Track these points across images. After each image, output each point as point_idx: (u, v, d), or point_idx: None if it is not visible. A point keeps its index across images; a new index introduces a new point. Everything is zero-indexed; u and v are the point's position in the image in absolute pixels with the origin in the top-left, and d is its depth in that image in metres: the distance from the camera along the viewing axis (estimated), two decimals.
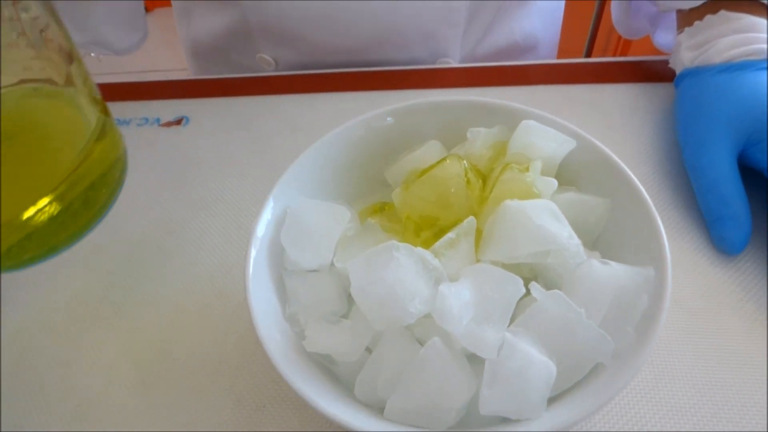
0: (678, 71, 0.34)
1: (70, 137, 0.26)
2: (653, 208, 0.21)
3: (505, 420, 0.17)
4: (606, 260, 0.20)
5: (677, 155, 0.33)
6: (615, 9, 0.43)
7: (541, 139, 0.22)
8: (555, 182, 0.22)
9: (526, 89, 0.39)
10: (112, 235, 0.33)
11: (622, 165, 0.22)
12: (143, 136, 0.40)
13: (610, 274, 0.19)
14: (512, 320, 0.19)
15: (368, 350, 0.21)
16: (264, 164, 0.36)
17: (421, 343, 0.19)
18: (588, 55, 0.73)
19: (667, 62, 0.37)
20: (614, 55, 0.72)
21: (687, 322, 0.26)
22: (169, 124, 0.41)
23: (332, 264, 0.22)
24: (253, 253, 0.21)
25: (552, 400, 0.18)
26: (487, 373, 0.17)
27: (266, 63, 0.47)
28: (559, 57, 0.54)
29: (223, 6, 0.45)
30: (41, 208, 0.25)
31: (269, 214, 0.23)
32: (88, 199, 0.27)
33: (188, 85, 0.43)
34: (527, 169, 0.21)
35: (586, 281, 0.19)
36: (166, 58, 1.27)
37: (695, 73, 0.32)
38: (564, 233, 0.20)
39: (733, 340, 0.25)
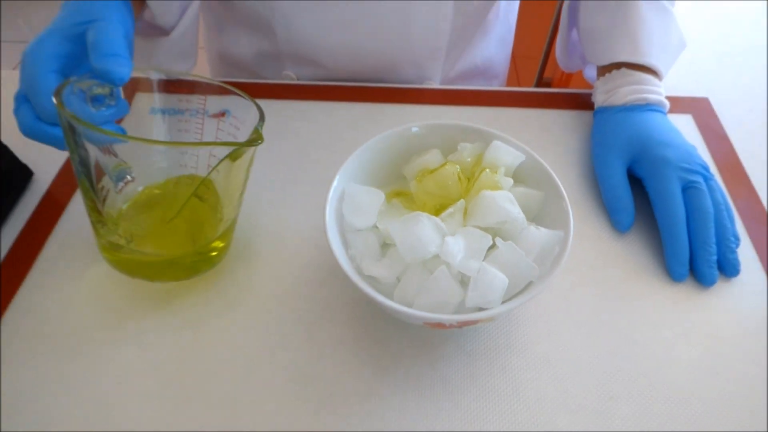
0: (595, 106, 0.51)
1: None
2: (566, 199, 0.37)
3: (479, 309, 0.33)
4: (538, 227, 0.36)
5: (591, 164, 0.50)
6: (558, 49, 0.60)
7: (503, 154, 0.38)
8: (511, 181, 0.38)
9: (491, 109, 0.56)
10: None
11: (551, 171, 0.39)
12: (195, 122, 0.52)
13: (539, 235, 0.35)
14: (485, 258, 0.34)
15: (397, 279, 0.36)
16: (292, 154, 0.50)
17: (431, 272, 0.34)
18: (538, 85, 0.93)
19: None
20: (558, 86, 0.91)
21: (588, 272, 0.43)
22: (215, 116, 0.55)
23: (375, 226, 0.37)
24: (328, 217, 0.36)
25: (505, 299, 0.34)
26: (471, 284, 0.33)
27: (289, 78, 0.60)
28: (515, 85, 0.71)
29: (258, 32, 0.59)
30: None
31: (334, 193, 0.37)
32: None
33: (230, 85, 0.56)
34: (495, 173, 0.37)
35: (527, 238, 0.35)
36: None
37: (605, 110, 0.49)
38: (515, 211, 0.36)
39: (614, 282, 0.42)
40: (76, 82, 0.34)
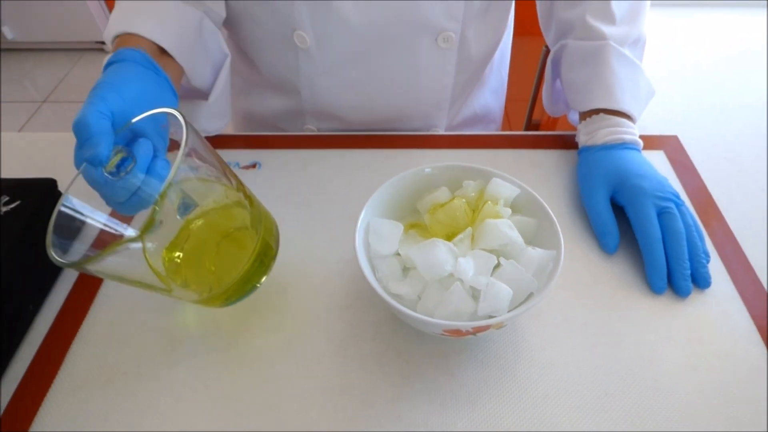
0: (579, 146, 0.60)
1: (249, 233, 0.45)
2: (557, 224, 0.45)
3: (490, 317, 0.40)
4: (535, 248, 0.43)
5: (579, 196, 0.58)
6: (544, 97, 0.70)
7: (502, 189, 0.46)
8: (510, 210, 0.46)
9: (489, 151, 0.64)
10: None
11: (543, 202, 0.46)
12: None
13: (536, 254, 0.43)
14: (492, 274, 0.42)
15: (418, 297, 0.43)
16: (317, 197, 0.59)
17: (447, 288, 0.42)
18: (527, 128, 1.03)
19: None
20: (546, 129, 1.02)
21: (581, 288, 0.50)
22: (246, 167, 0.63)
23: (397, 252, 0.45)
24: (358, 246, 0.43)
25: (510, 308, 0.41)
26: (482, 296, 0.40)
27: (310, 131, 0.69)
28: (508, 129, 0.81)
29: (283, 93, 0.68)
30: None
31: (361, 225, 0.45)
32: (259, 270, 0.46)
33: (259, 139, 0.65)
34: (496, 204, 0.45)
35: (525, 257, 0.43)
36: None
37: (587, 149, 0.58)
38: (515, 235, 0.43)
39: (604, 296, 0.50)
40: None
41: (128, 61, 0.44)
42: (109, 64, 0.44)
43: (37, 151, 0.67)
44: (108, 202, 0.39)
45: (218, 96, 0.60)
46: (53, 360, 0.46)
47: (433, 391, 0.44)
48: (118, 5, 0.52)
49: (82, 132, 0.36)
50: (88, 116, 0.36)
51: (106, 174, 0.38)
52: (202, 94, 0.60)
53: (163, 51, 0.50)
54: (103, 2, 2.41)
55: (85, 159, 0.36)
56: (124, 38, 0.48)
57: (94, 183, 0.38)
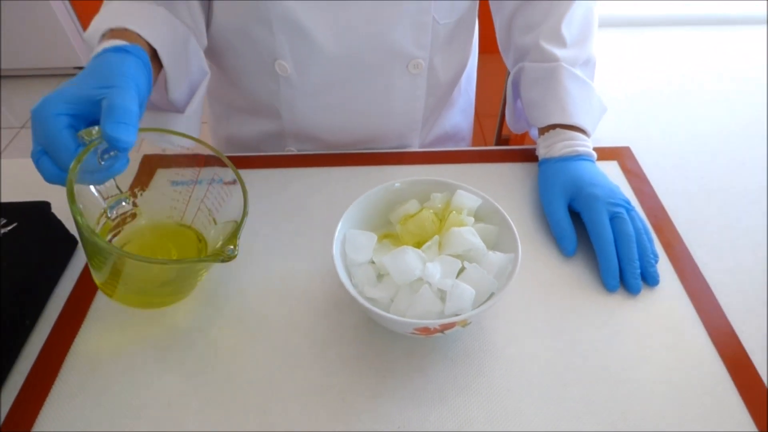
0: (539, 159, 0.66)
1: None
2: (515, 230, 0.50)
3: (456, 316, 0.45)
4: (495, 252, 0.48)
5: (540, 204, 0.63)
6: (507, 116, 0.76)
7: (465, 200, 0.51)
8: (473, 219, 0.51)
9: (458, 166, 0.69)
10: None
11: (503, 210, 0.52)
12: (214, 190, 0.63)
13: (496, 258, 0.48)
14: (457, 276, 0.46)
15: (390, 300, 0.47)
16: (297, 212, 0.63)
17: (417, 291, 0.46)
18: (498, 143, 1.10)
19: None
20: (515, 143, 1.09)
21: (542, 288, 0.55)
22: (228, 183, 0.66)
23: (371, 260, 0.49)
24: (335, 254, 0.48)
25: (474, 307, 0.45)
26: (448, 296, 0.45)
27: (291, 152, 0.74)
28: (481, 144, 0.87)
29: (264, 117, 0.73)
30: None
31: (338, 236, 0.49)
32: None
33: (241, 159, 0.69)
34: (460, 213, 0.50)
35: (487, 261, 0.48)
36: None
37: (546, 161, 0.64)
38: (477, 242, 0.48)
39: (562, 295, 0.54)
40: (97, 141, 0.40)
41: (140, 59, 0.43)
42: (118, 50, 0.42)
43: (27, 175, 0.70)
44: (52, 174, 0.40)
45: (194, 110, 0.61)
46: (50, 371, 0.49)
47: (407, 388, 0.48)
48: (106, 6, 0.52)
49: (122, 114, 0.38)
50: (133, 104, 0.39)
51: (98, 157, 0.41)
52: (178, 109, 0.60)
53: (149, 56, 0.49)
54: (81, 28, 2.44)
55: (113, 137, 0.37)
56: (116, 33, 0.47)
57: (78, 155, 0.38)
